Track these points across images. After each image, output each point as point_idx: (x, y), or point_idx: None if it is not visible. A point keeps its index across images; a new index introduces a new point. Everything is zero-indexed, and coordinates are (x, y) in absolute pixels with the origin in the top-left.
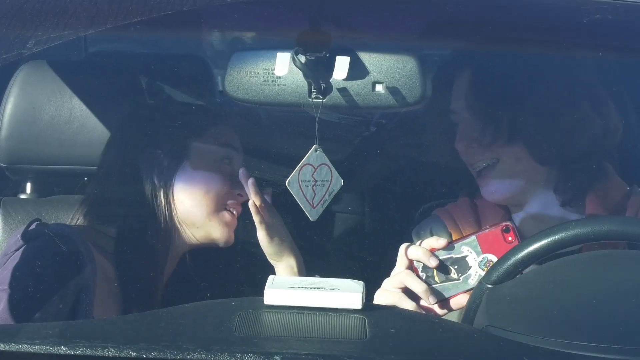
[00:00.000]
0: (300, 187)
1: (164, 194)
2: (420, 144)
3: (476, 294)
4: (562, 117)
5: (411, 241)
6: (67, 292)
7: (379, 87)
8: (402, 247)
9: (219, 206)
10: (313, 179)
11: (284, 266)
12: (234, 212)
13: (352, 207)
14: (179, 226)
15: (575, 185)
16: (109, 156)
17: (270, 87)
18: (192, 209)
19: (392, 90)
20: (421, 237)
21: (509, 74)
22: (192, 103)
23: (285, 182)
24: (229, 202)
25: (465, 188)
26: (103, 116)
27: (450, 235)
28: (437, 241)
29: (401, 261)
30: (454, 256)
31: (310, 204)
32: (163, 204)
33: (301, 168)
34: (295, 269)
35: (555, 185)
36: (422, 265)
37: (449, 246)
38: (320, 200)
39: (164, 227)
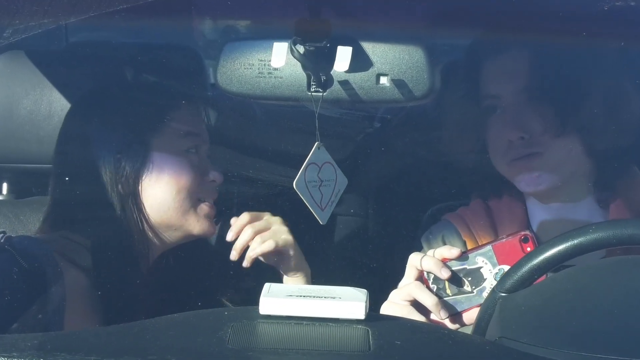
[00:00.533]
0: (307, 188)
1: (132, 202)
2: (428, 140)
3: (488, 303)
4: (618, 110)
5: (420, 247)
6: (32, 311)
7: (384, 80)
8: (412, 256)
9: (193, 201)
10: (319, 179)
11: (295, 281)
12: (210, 200)
13: (355, 209)
14: (154, 231)
15: (611, 184)
16: (69, 156)
17: (266, 80)
18: (165, 213)
19: (398, 83)
20: (432, 245)
21: (571, 60)
22: (167, 95)
23: (284, 183)
24: (203, 192)
25: (477, 189)
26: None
27: (464, 243)
28: (449, 251)
29: (410, 272)
30: (468, 267)
31: (319, 206)
32: (133, 212)
33: (307, 167)
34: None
35: (594, 181)
36: (433, 276)
37: (463, 256)
38: (328, 201)
39: (138, 235)
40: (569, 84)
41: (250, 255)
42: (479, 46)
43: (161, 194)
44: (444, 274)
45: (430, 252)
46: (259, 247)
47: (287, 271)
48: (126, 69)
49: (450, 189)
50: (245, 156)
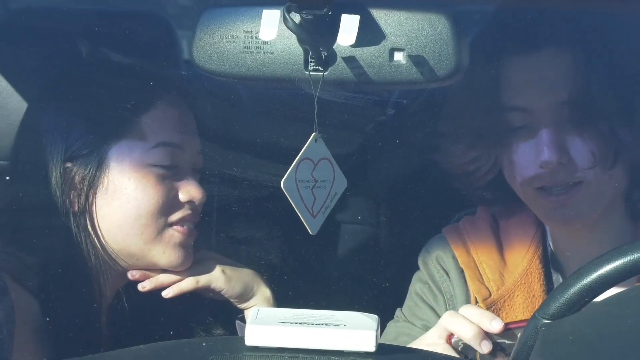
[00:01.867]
0: (297, 189)
1: (85, 221)
2: (452, 132)
3: (529, 330)
4: None
5: (417, 268)
6: None
7: (399, 56)
8: (446, 316)
9: (159, 227)
10: (313, 179)
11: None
12: (187, 224)
13: (362, 216)
14: (113, 258)
15: None
16: (14, 160)
17: (253, 56)
18: (124, 239)
19: (416, 60)
20: (428, 266)
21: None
22: (135, 80)
23: (273, 182)
24: (175, 215)
25: (485, 195)
26: (29, 94)
27: (455, 260)
28: (490, 322)
29: (439, 331)
30: (507, 342)
31: (309, 212)
32: (87, 234)
33: (299, 163)
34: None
35: (626, 198)
36: (462, 342)
37: (505, 330)
38: (322, 206)
39: (94, 262)
40: (626, 96)
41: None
42: (502, 38)
43: (118, 217)
44: (485, 348)
45: (465, 311)
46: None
47: (234, 299)
48: (80, 43)
49: (480, 192)
50: (227, 150)
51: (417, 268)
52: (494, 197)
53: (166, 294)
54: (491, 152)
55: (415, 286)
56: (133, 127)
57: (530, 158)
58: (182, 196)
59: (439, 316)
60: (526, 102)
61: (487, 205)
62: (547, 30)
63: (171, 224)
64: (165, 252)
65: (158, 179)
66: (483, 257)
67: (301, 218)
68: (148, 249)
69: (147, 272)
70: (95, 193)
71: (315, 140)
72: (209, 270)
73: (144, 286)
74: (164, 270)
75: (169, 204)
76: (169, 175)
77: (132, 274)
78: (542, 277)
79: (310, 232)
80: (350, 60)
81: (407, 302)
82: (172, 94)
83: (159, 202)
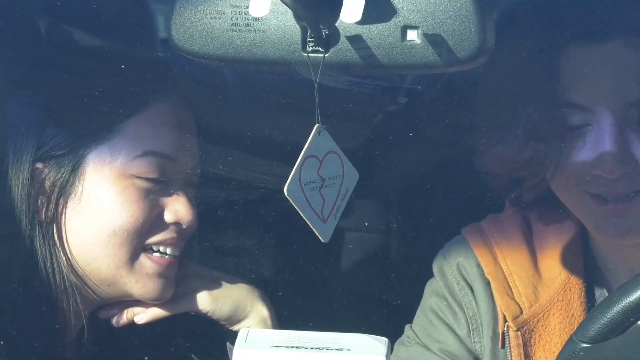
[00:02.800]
0: (303, 192)
1: (52, 234)
2: (475, 124)
3: (566, 355)
4: None
5: (431, 276)
6: None
7: (412, 35)
8: None
9: (136, 250)
10: (319, 178)
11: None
12: (170, 249)
13: (369, 221)
14: (83, 280)
15: None
16: None
17: (242, 35)
18: (94, 260)
19: (433, 40)
20: (446, 276)
21: None
22: (105, 65)
23: (266, 182)
24: (156, 237)
25: (520, 197)
26: None
27: (478, 265)
28: None
29: None
30: None
31: (319, 217)
32: (53, 250)
33: (303, 162)
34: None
35: None
36: None
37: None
38: (332, 208)
39: (59, 281)
40: None
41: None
42: (549, 17)
43: (90, 232)
44: None
45: None
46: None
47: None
48: (39, 18)
49: (508, 192)
50: (213, 147)
51: (431, 275)
52: (527, 199)
53: (139, 319)
54: (524, 151)
55: (430, 300)
56: (118, 130)
57: (587, 162)
58: (168, 216)
59: (459, 338)
60: (585, 100)
61: (518, 206)
62: (617, 17)
63: (150, 248)
64: (139, 281)
65: (141, 193)
66: (513, 266)
67: (311, 226)
68: (120, 275)
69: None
70: (66, 202)
71: (319, 133)
72: (191, 288)
73: (140, 319)
74: None
75: (151, 224)
76: (156, 190)
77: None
78: (583, 293)
79: (322, 240)
80: (355, 39)
81: (420, 320)
82: (170, 91)
83: (138, 219)
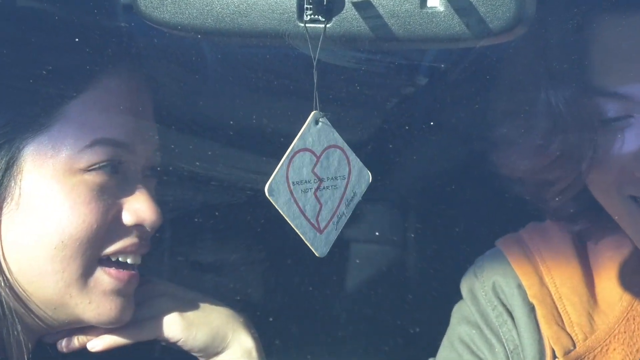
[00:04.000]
0: (292, 194)
1: None
2: (512, 110)
3: None
4: None
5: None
6: None
7: (434, 1)
8: None
9: (90, 263)
10: (315, 178)
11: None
12: (131, 258)
13: (381, 230)
14: (25, 303)
15: None
16: None
17: (224, 1)
18: (39, 277)
19: (459, 7)
20: (478, 300)
21: None
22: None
23: (253, 183)
24: (115, 247)
25: (565, 207)
26: None
27: (516, 279)
28: None
29: None
30: None
31: (313, 226)
32: None
33: (292, 157)
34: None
35: None
36: None
37: None
38: (332, 215)
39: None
40: None
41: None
42: None
43: (32, 244)
44: None
45: None
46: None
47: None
48: None
49: (550, 196)
50: (187, 137)
51: (460, 297)
52: (570, 205)
53: (92, 346)
54: (569, 152)
55: (459, 329)
56: (61, 114)
57: (627, 161)
58: (128, 217)
59: None
60: (629, 90)
61: (562, 214)
62: None
63: (107, 260)
64: (93, 302)
65: (93, 193)
66: (564, 288)
67: (301, 235)
68: (70, 295)
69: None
70: (0, 207)
71: (316, 122)
72: (159, 310)
73: (93, 346)
74: None
75: (107, 229)
76: (110, 186)
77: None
78: None
79: (317, 254)
80: (363, 6)
81: (447, 353)
82: (126, 67)
83: (92, 225)
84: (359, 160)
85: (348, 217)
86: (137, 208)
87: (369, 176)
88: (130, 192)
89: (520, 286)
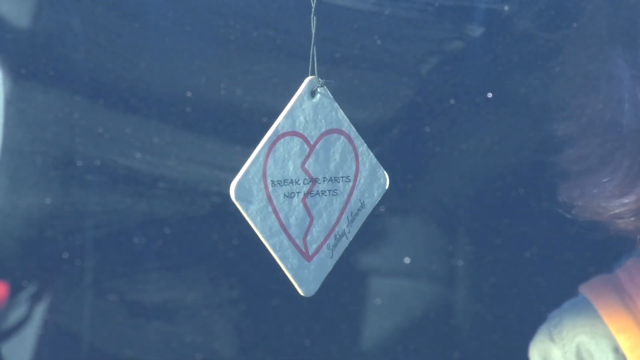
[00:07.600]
0: (269, 199)
1: None
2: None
3: None
4: None
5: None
6: None
7: None
8: None
9: None
10: (306, 176)
11: None
12: None
13: (413, 258)
14: None
15: None
16: None
17: None
18: None
19: None
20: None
21: None
22: None
23: (221, 184)
24: None
25: None
26: None
27: (606, 329)
28: None
29: None
30: None
31: (298, 249)
32: None
33: (272, 144)
34: None
35: None
36: None
37: None
38: (328, 234)
39: None
40: None
41: None
42: None
43: None
44: None
45: None
46: None
47: None
48: None
49: None
50: (120, 115)
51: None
52: None
53: None
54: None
55: None
56: None
57: None
58: None
59: None
60: None
61: None
62: None
63: None
64: None
65: None
66: None
67: (279, 262)
68: None
69: None
70: None
71: (313, 94)
72: None
73: None
74: None
75: None
76: None
77: None
78: None
79: (302, 293)
80: None
81: None
82: None
83: None
84: (371, 153)
85: (351, 239)
86: None
87: (385, 178)
88: None
89: (617, 350)
